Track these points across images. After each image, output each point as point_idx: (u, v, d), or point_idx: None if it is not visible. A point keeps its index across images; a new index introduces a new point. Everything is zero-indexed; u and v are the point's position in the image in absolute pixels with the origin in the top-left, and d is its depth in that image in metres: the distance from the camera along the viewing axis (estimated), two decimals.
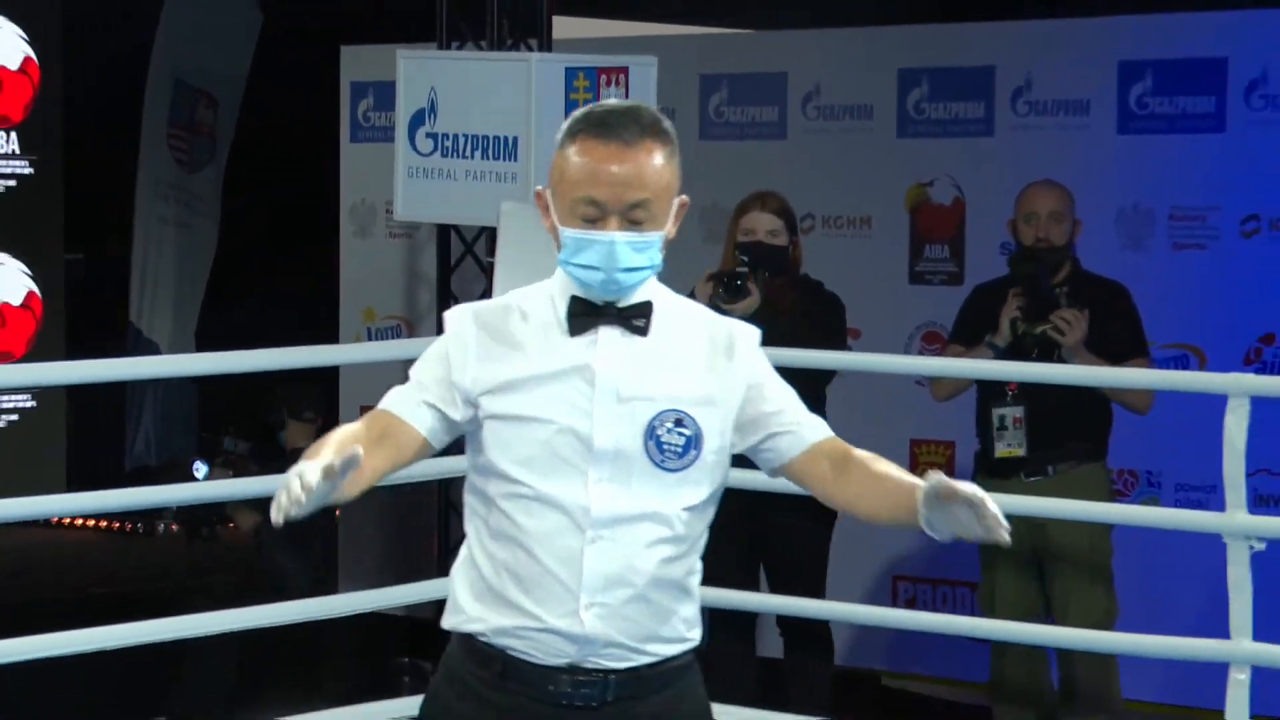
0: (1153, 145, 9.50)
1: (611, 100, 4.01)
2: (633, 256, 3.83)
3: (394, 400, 3.92)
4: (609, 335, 3.88)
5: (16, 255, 14.11)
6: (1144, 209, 9.49)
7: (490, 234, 7.97)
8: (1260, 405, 6.60)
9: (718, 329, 3.99)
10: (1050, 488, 7.56)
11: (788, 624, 7.89)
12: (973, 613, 8.59)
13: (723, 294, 7.54)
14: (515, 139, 7.33)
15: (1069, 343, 7.57)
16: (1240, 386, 6.46)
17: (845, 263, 9.21)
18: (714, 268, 7.75)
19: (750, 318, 7.48)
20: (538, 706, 3.87)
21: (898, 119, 10.09)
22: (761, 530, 7.75)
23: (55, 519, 12.97)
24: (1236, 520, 6.40)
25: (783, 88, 10.39)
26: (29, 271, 14.16)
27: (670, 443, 3.86)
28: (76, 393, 13.15)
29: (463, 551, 3.97)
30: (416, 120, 7.48)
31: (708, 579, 7.66)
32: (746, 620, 8.00)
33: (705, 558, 7.82)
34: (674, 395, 3.88)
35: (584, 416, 3.85)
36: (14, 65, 14.14)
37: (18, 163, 14.20)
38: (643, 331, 3.89)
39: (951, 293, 9.18)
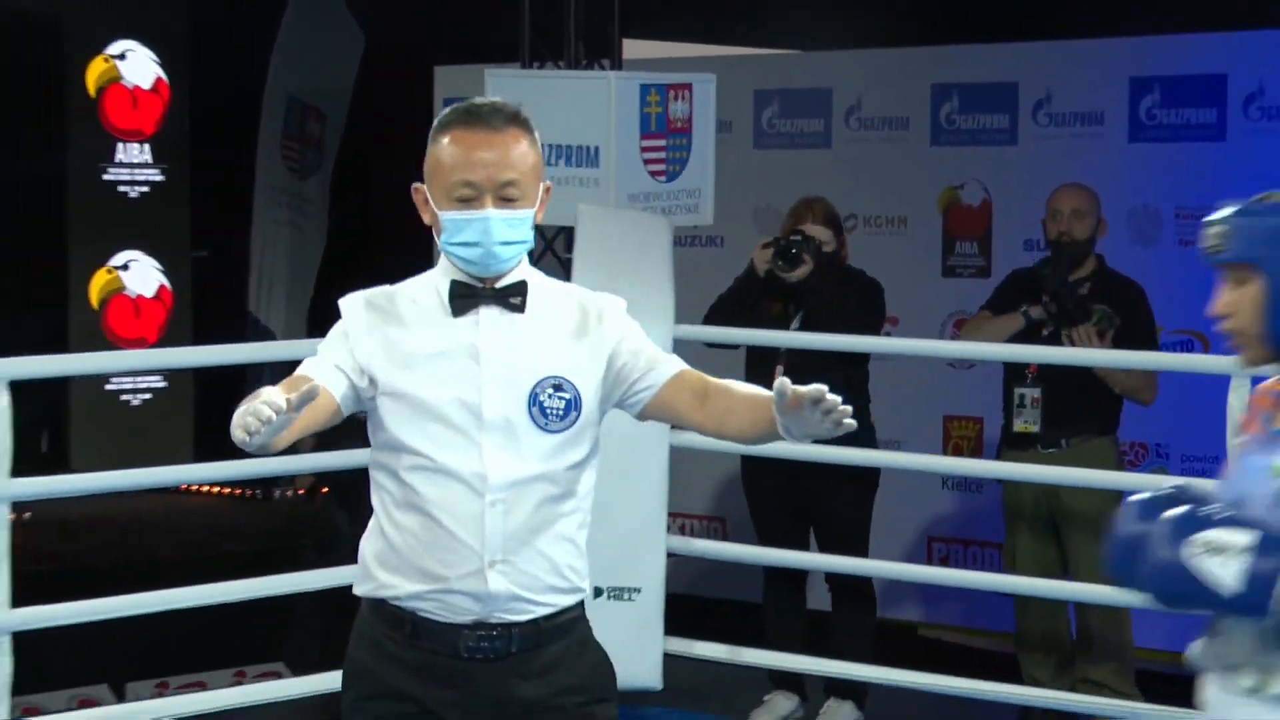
0: (1160, 152, 9.49)
1: (477, 98, 3.97)
2: (507, 231, 3.81)
3: (308, 367, 3.89)
4: (489, 314, 3.86)
5: (150, 253, 14.15)
6: (1152, 209, 9.49)
7: (568, 233, 7.98)
8: (1258, 384, 6.58)
9: (589, 302, 3.97)
10: (1063, 458, 7.54)
11: (834, 580, 7.88)
12: (998, 570, 8.59)
13: (781, 263, 7.53)
14: (596, 148, 7.33)
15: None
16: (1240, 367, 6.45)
17: (884, 258, 9.18)
18: (765, 262, 7.72)
19: (802, 298, 7.47)
20: (447, 661, 3.84)
21: (931, 129, 10.09)
22: (810, 497, 7.75)
23: (184, 486, 12.99)
24: None
25: (828, 102, 10.40)
26: (160, 267, 14.20)
27: (552, 407, 3.84)
28: (202, 374, 13.18)
29: (371, 524, 3.94)
30: None
31: (764, 541, 7.79)
32: (798, 577, 7.99)
33: (761, 523, 7.92)
34: (552, 364, 3.85)
35: (473, 390, 3.82)
36: (147, 85, 14.18)
37: (150, 171, 14.25)
38: (520, 309, 3.87)
39: (980, 284, 9.19)
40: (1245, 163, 9.26)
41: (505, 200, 3.81)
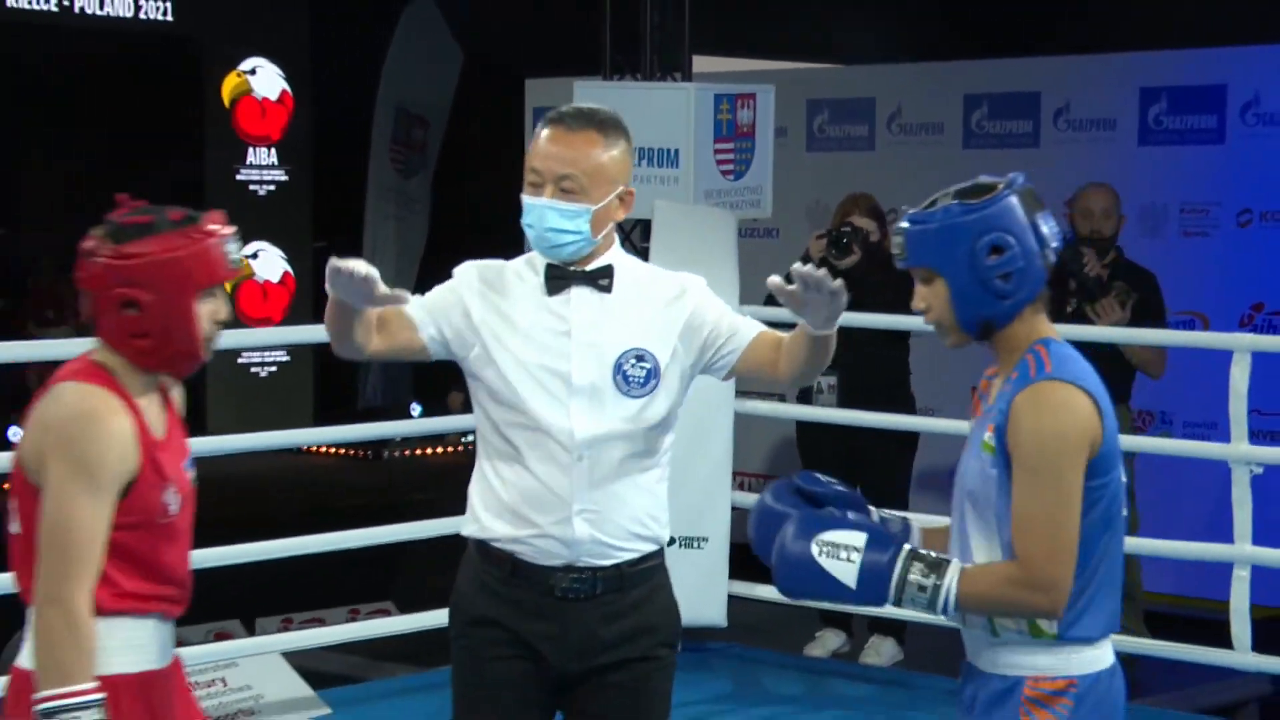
0: (1167, 154, 9.42)
1: (581, 104, 3.91)
2: (558, 220, 3.74)
3: (413, 304, 3.86)
4: (580, 293, 3.81)
5: (275, 244, 14.22)
6: (1160, 205, 9.43)
7: (644, 225, 7.94)
8: (1257, 359, 6.54)
9: (672, 280, 3.91)
10: None
11: None
12: None
13: (834, 252, 7.51)
14: (676, 150, 7.31)
15: (1104, 325, 7.48)
16: (1243, 344, 6.46)
17: None
18: (819, 251, 7.69)
19: (851, 276, 7.41)
20: (541, 599, 3.80)
21: (963, 134, 10.04)
22: (857, 456, 7.67)
23: (305, 447, 13.02)
24: (1240, 450, 6.35)
25: (871, 110, 10.35)
26: (285, 256, 14.25)
27: (634, 375, 3.80)
28: (321, 349, 13.18)
29: (475, 471, 3.91)
30: None
31: None
32: None
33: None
34: (636, 337, 3.81)
35: (563, 360, 3.78)
36: (274, 97, 14.23)
37: (276, 172, 14.30)
38: (607, 289, 3.82)
39: None
40: (1242, 163, 9.23)
41: (563, 192, 3.75)
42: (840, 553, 3.28)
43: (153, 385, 3.36)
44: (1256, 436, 8.71)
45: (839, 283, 3.63)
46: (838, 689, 7.28)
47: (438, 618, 6.56)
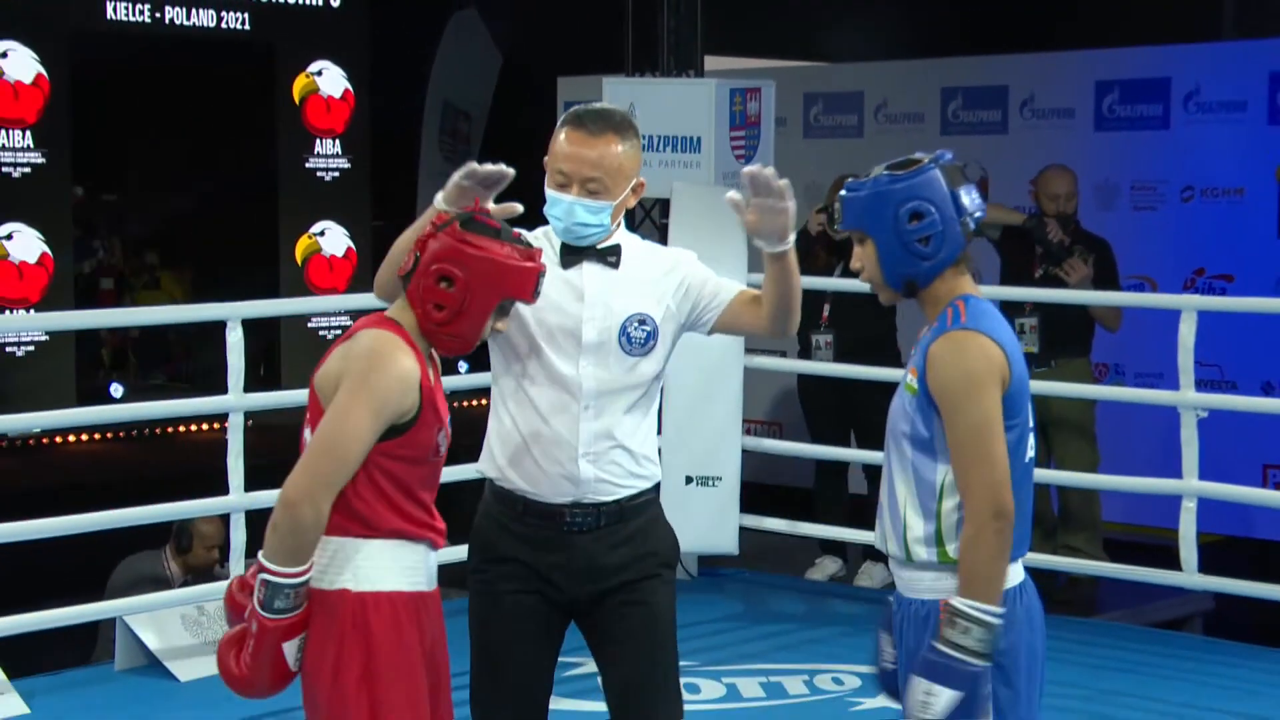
0: (1119, 139, 9.37)
1: (594, 105, 3.86)
2: (585, 215, 3.73)
3: None
4: (591, 268, 3.79)
5: (340, 223, 14.16)
6: (1112, 183, 9.38)
7: (663, 204, 7.91)
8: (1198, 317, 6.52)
9: (668, 255, 3.89)
10: (1052, 375, 7.40)
11: (870, 469, 7.78)
12: None
13: (835, 226, 7.46)
14: (699, 138, 7.30)
15: (1073, 283, 7.41)
16: (1190, 304, 6.47)
17: None
18: (818, 224, 7.68)
19: (845, 252, 7.36)
20: (551, 533, 3.77)
21: (941, 123, 9.98)
22: (851, 405, 7.65)
23: None
24: (1188, 397, 6.32)
25: (860, 102, 10.29)
26: (348, 234, 14.21)
27: (636, 336, 3.78)
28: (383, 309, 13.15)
29: (492, 415, 3.88)
30: None
31: (815, 439, 7.70)
32: (841, 467, 7.90)
33: (813, 425, 7.85)
34: (638, 304, 3.79)
35: (576, 322, 3.76)
36: (338, 94, 14.18)
37: (340, 160, 14.25)
38: (615, 265, 3.80)
39: (978, 244, 8.95)
40: (1185, 147, 9.18)
41: (589, 192, 3.72)
42: (928, 702, 3.21)
43: (427, 350, 3.40)
44: (1199, 385, 8.69)
45: (784, 181, 3.62)
46: (835, 608, 7.28)
47: (456, 553, 6.52)
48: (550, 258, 3.78)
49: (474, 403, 14.31)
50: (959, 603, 3.20)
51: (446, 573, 6.45)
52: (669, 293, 3.83)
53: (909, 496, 3.32)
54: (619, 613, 3.79)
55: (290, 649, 3.25)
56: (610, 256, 3.80)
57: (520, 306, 3.69)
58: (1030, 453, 3.37)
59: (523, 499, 3.79)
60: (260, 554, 3.22)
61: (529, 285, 3.38)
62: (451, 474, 6.75)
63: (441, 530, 3.41)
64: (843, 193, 3.36)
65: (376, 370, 3.23)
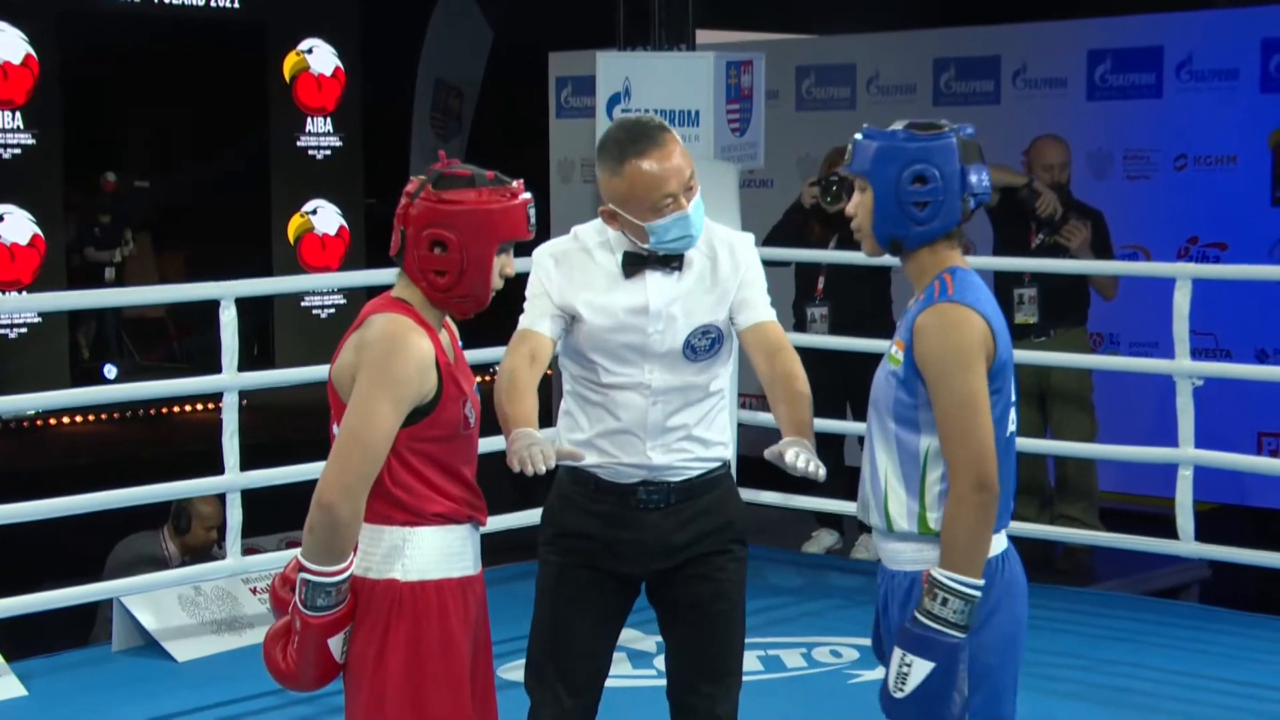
0: (1111, 108, 9.35)
1: (627, 123, 3.74)
2: (698, 216, 3.69)
3: (528, 320, 3.78)
4: (654, 277, 3.74)
5: (332, 201, 14.16)
6: (1106, 152, 9.37)
7: None
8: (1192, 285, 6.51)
9: (724, 242, 3.80)
10: (1051, 345, 7.40)
11: None
12: None
13: (826, 199, 7.46)
14: (697, 111, 7.24)
15: (1074, 246, 7.40)
16: (1185, 272, 6.41)
17: None
18: (811, 197, 7.64)
19: (839, 225, 7.34)
20: (622, 510, 3.77)
21: (933, 93, 9.96)
22: (847, 377, 7.61)
23: None
24: (1183, 365, 6.30)
25: (853, 74, 10.27)
26: (340, 212, 14.19)
27: (701, 346, 3.75)
28: (375, 291, 13.15)
29: (563, 405, 3.86)
30: (614, 100, 7.34)
31: (815, 415, 7.66)
32: (837, 440, 7.89)
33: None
34: (703, 314, 3.75)
35: (641, 335, 3.72)
36: (329, 72, 14.17)
37: (332, 138, 14.24)
38: (678, 269, 3.74)
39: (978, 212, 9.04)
40: (1178, 115, 9.17)
41: (689, 190, 3.67)
42: (904, 673, 3.22)
43: (440, 319, 3.36)
44: (1193, 354, 8.69)
45: (806, 467, 3.54)
46: (831, 581, 7.28)
47: (517, 519, 6.55)
48: (610, 266, 3.75)
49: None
50: (939, 574, 3.20)
51: (502, 539, 6.53)
52: (728, 290, 3.78)
53: (891, 467, 3.32)
54: (686, 587, 3.80)
55: (335, 644, 3.23)
56: (673, 262, 3.74)
57: (580, 319, 3.69)
58: (1012, 426, 3.37)
59: (594, 478, 3.79)
60: (299, 554, 3.20)
61: (521, 222, 3.30)
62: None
63: (483, 507, 3.39)
64: (858, 135, 3.35)
65: (392, 357, 3.19)
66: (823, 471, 3.54)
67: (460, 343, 3.46)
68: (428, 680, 3.24)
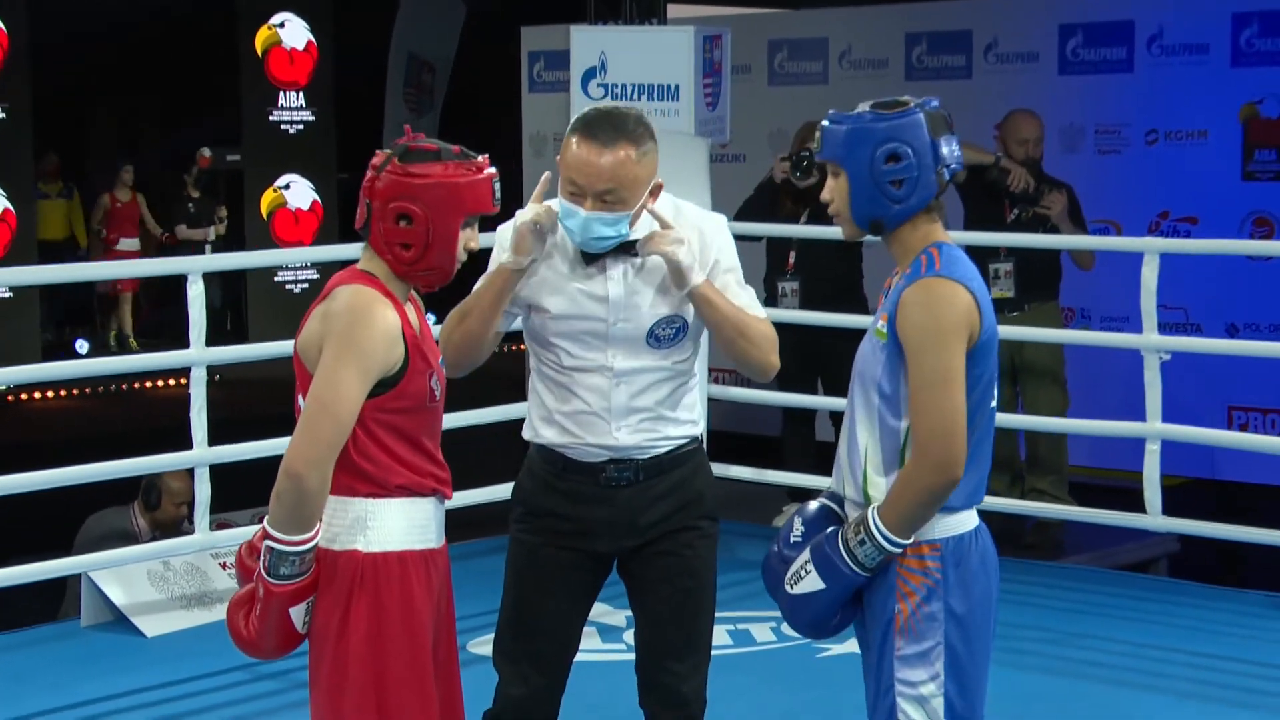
0: (1083, 82, 9.38)
1: (606, 103, 3.75)
2: (601, 229, 3.60)
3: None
4: (614, 268, 3.69)
5: (305, 176, 14.12)
6: (1077, 126, 9.39)
7: None
8: (1162, 259, 6.52)
9: (693, 227, 3.73)
10: (1025, 319, 7.43)
11: (837, 416, 7.78)
12: None
13: (796, 174, 7.48)
14: (677, 86, 7.20)
15: (1055, 214, 7.42)
16: (1152, 247, 6.44)
17: None
18: (783, 172, 7.65)
19: (812, 194, 7.34)
20: (591, 489, 3.76)
21: (905, 68, 9.97)
22: (819, 353, 7.64)
23: None
24: (1151, 340, 6.31)
25: (825, 48, 10.28)
26: (313, 187, 14.16)
27: (665, 334, 3.71)
28: (348, 264, 13.15)
29: (530, 385, 3.84)
30: (588, 75, 7.30)
31: (783, 387, 7.69)
32: (809, 415, 7.91)
33: (782, 375, 7.79)
34: (666, 304, 3.71)
35: (602, 323, 3.69)
36: (301, 46, 14.12)
37: (304, 113, 14.20)
38: (637, 256, 3.69)
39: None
40: (1148, 89, 9.20)
41: (604, 204, 3.60)
42: (801, 575, 3.29)
43: (406, 292, 3.36)
44: (1165, 328, 8.72)
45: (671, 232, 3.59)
46: None
47: (481, 495, 6.57)
48: (570, 251, 3.71)
49: None
50: (874, 520, 3.23)
51: (465, 514, 6.52)
52: (701, 267, 3.71)
53: (871, 442, 3.31)
54: (656, 563, 3.79)
55: (297, 613, 3.24)
56: (633, 251, 3.69)
57: (540, 304, 3.67)
58: (993, 401, 3.37)
59: (562, 457, 3.77)
60: (265, 521, 3.21)
61: (486, 196, 3.31)
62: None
63: (448, 480, 3.39)
64: (825, 122, 3.33)
65: (357, 327, 3.19)
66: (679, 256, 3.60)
67: (426, 317, 3.46)
68: (390, 651, 3.24)
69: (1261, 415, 8.87)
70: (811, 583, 3.27)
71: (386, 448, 3.27)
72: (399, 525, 3.28)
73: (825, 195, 3.38)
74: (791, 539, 3.39)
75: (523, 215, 3.64)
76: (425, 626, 3.29)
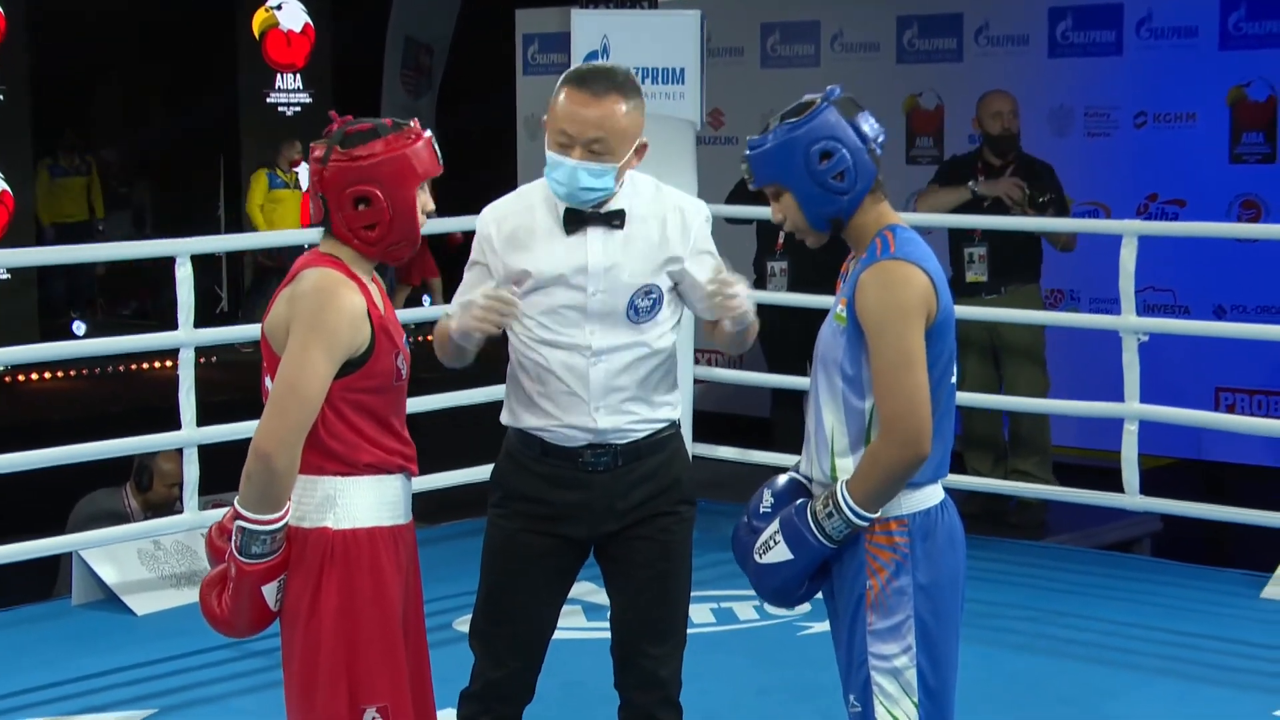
0: (1072, 65, 9.41)
1: (596, 63, 3.81)
2: (589, 179, 3.65)
3: (462, 294, 3.81)
4: (595, 233, 3.74)
5: (303, 158, 14.14)
6: (1067, 109, 9.43)
7: None
8: (1150, 242, 6.58)
9: (675, 207, 3.81)
10: (1002, 302, 7.49)
11: None
12: None
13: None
14: (682, 69, 7.22)
15: (1012, 202, 7.48)
16: (1130, 229, 6.49)
17: None
18: None
19: None
20: (570, 473, 3.79)
21: (896, 51, 10.01)
22: (808, 331, 7.61)
23: None
24: (1129, 321, 6.38)
25: (816, 31, 10.31)
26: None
27: (644, 307, 3.75)
28: None
29: (509, 368, 3.88)
30: (590, 58, 7.31)
31: (773, 369, 7.73)
32: (797, 396, 7.95)
33: (772, 357, 7.84)
34: (645, 273, 3.76)
35: (581, 294, 3.73)
36: (298, 29, 14.15)
37: (302, 95, 14.24)
38: (619, 227, 3.75)
39: (935, 170, 9.08)
40: (1138, 72, 9.23)
41: (592, 154, 3.64)
42: (769, 545, 3.35)
43: (370, 273, 3.42)
44: (1153, 310, 8.79)
45: (736, 277, 3.66)
46: None
47: (453, 478, 6.65)
48: (552, 223, 3.74)
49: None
50: (844, 495, 3.30)
51: (436, 497, 6.55)
52: (675, 256, 3.78)
53: (837, 424, 3.36)
54: (632, 547, 3.82)
55: (269, 591, 3.30)
56: (615, 220, 3.74)
57: (522, 275, 3.71)
58: (953, 378, 3.43)
59: (540, 441, 3.80)
60: (235, 502, 3.27)
61: (431, 159, 3.36)
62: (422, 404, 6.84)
63: (414, 457, 3.44)
64: (747, 152, 3.38)
65: (324, 310, 3.25)
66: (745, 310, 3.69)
67: (389, 301, 3.51)
68: (360, 626, 3.31)
69: (1248, 396, 8.93)
70: (780, 553, 3.33)
71: (354, 427, 3.32)
72: (367, 502, 3.34)
73: (776, 218, 3.42)
74: (761, 510, 3.44)
75: (477, 309, 3.62)
76: (395, 602, 3.36)
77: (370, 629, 3.32)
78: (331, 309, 3.26)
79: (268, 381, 3.35)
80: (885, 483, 3.30)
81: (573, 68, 3.74)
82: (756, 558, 3.38)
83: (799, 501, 3.37)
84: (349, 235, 3.34)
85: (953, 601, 3.40)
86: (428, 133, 3.39)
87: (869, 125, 3.36)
